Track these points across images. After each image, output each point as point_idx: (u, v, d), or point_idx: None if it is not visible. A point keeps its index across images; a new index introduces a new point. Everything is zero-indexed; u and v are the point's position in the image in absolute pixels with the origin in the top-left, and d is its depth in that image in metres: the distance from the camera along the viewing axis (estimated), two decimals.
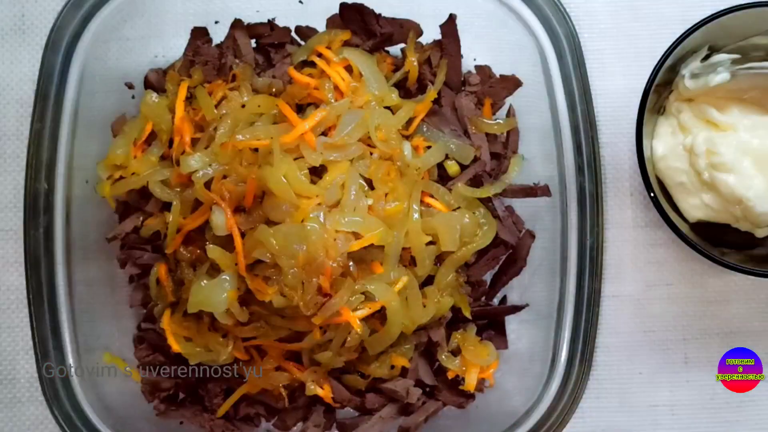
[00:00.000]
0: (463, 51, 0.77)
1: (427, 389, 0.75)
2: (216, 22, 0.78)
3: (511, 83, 0.77)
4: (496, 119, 0.77)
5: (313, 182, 0.70)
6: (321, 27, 0.76)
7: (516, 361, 0.77)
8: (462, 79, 0.78)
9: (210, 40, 0.78)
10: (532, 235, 0.76)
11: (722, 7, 0.69)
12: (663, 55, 0.70)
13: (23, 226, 0.72)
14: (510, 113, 0.78)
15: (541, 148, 0.76)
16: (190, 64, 0.76)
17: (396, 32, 0.76)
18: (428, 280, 0.73)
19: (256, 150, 0.70)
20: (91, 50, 0.73)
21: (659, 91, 0.74)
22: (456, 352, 0.74)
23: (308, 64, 0.75)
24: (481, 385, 0.74)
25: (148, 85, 0.76)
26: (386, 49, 0.77)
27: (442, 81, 0.76)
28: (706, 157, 0.71)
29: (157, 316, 0.74)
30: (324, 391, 0.72)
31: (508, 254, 0.77)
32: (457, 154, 0.75)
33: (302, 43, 0.77)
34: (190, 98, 0.74)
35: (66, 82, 0.72)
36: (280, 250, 0.67)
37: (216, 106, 0.72)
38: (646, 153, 0.72)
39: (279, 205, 0.68)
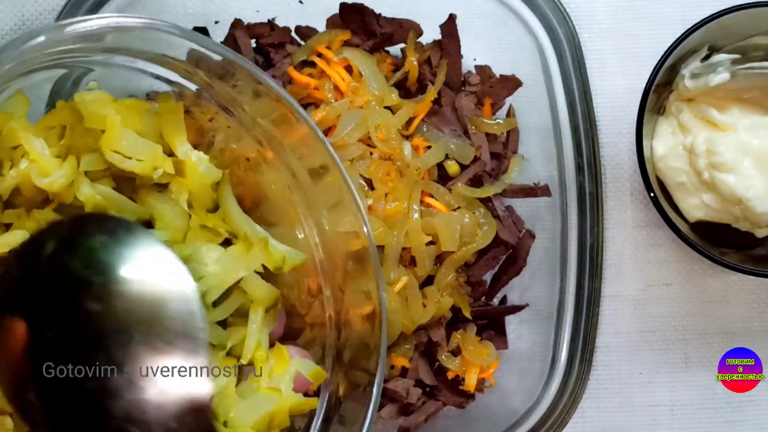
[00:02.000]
0: (463, 51, 0.76)
1: (427, 389, 0.75)
2: (216, 22, 0.78)
3: (511, 83, 0.77)
4: (496, 119, 0.77)
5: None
6: (321, 27, 0.76)
7: (516, 361, 0.77)
8: (462, 79, 0.77)
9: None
10: (532, 235, 0.76)
11: (722, 7, 0.68)
12: (663, 55, 0.70)
13: None
14: (510, 113, 0.78)
15: (541, 148, 0.76)
16: None
17: (396, 32, 0.76)
18: (428, 280, 0.73)
19: None
20: None
21: (659, 91, 0.74)
22: (456, 352, 0.74)
23: (308, 64, 0.75)
24: (481, 385, 0.74)
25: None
26: (386, 49, 0.77)
27: (442, 81, 0.76)
28: (706, 157, 0.71)
29: None
30: None
31: (508, 254, 0.77)
32: (457, 154, 0.75)
33: (302, 43, 0.77)
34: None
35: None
36: None
37: None
38: (646, 153, 0.72)
39: (276, 207, 0.68)
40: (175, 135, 0.62)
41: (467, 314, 0.74)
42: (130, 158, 0.59)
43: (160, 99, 0.64)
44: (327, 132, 0.72)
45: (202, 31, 0.77)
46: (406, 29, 0.76)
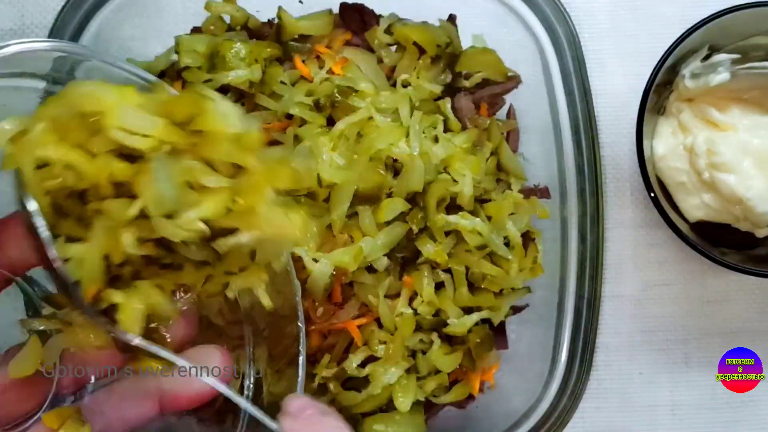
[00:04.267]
0: None
1: None
2: None
3: (511, 83, 0.77)
4: (496, 119, 0.77)
5: None
6: None
7: (516, 361, 0.76)
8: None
9: None
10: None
11: (722, 7, 0.68)
12: (663, 55, 0.69)
13: None
14: (510, 113, 0.78)
15: (541, 148, 0.76)
16: None
17: None
18: None
19: None
20: None
21: (659, 91, 0.74)
22: None
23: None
24: (482, 386, 0.74)
25: None
26: None
27: None
28: (707, 157, 0.71)
29: None
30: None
31: None
32: None
33: None
34: None
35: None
36: None
37: None
38: (647, 153, 0.72)
39: None
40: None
41: None
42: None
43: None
44: None
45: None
46: None
